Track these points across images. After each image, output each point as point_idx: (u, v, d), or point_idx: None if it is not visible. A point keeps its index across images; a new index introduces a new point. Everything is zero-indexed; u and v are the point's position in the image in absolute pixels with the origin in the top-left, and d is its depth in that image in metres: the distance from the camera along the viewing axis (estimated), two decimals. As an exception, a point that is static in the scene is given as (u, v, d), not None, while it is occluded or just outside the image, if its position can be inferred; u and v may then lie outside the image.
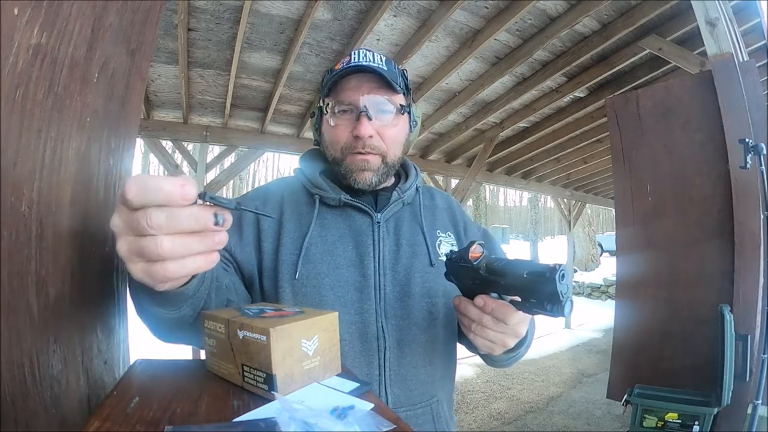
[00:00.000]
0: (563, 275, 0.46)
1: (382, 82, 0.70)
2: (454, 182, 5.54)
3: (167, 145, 4.14)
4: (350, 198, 0.73)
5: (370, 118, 0.69)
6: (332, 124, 0.72)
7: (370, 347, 0.68)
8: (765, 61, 3.21)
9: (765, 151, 1.75)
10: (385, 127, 0.71)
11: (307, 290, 0.68)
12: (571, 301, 0.47)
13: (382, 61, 0.71)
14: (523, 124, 4.50)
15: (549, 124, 4.48)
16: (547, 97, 3.86)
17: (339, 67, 0.72)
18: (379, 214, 0.74)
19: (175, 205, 0.35)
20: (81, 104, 0.60)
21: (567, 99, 3.96)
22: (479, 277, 0.54)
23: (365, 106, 0.69)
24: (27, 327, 0.51)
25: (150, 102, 3.51)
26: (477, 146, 4.81)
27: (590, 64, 3.39)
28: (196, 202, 0.36)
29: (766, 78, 3.19)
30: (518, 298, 0.52)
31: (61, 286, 0.58)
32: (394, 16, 2.61)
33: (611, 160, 2.67)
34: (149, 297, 0.46)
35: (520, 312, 0.53)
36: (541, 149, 5.11)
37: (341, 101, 0.71)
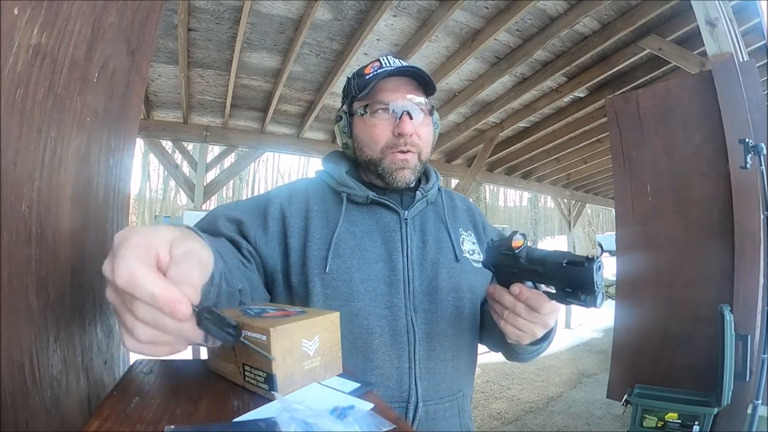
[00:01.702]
0: (599, 266, 0.48)
1: (417, 84, 0.74)
2: (454, 182, 5.54)
3: (167, 145, 4.14)
4: (377, 195, 0.75)
5: (411, 118, 0.72)
6: (371, 124, 0.73)
7: (401, 340, 0.69)
8: (765, 61, 3.21)
9: (765, 151, 1.75)
10: (421, 127, 0.74)
11: (337, 284, 0.69)
12: (603, 294, 0.49)
13: (412, 65, 0.74)
14: (523, 124, 4.50)
15: (549, 124, 4.48)
16: (547, 97, 3.86)
17: (369, 71, 0.73)
18: (406, 212, 0.76)
19: (163, 315, 0.32)
20: (81, 104, 0.60)
21: (567, 99, 3.96)
22: (518, 266, 0.56)
23: (408, 106, 0.72)
24: (27, 327, 0.51)
25: (150, 102, 3.51)
26: (477, 146, 4.81)
27: (590, 64, 3.39)
28: (194, 311, 0.34)
29: (766, 78, 3.19)
30: (552, 289, 0.54)
31: (61, 286, 0.57)
32: (394, 16, 2.61)
33: (611, 160, 2.67)
34: None
35: (553, 302, 0.55)
36: (541, 149, 5.11)
37: (381, 101, 0.73)
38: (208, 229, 0.68)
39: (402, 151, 0.73)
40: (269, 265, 0.71)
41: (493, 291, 0.60)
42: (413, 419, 0.67)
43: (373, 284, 0.70)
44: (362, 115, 0.74)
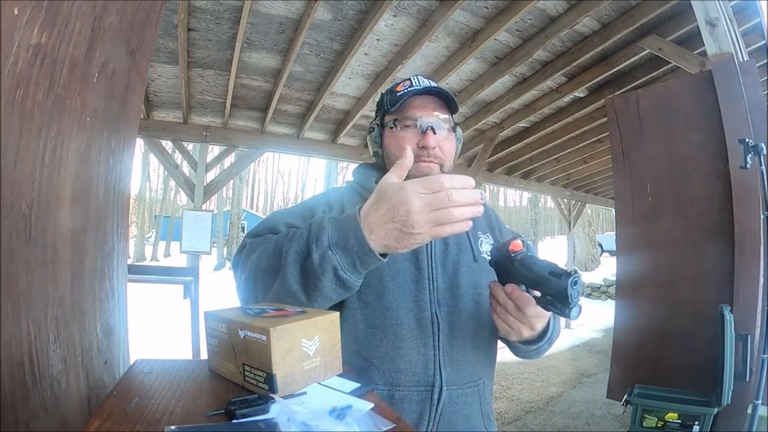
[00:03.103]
0: (575, 281, 0.54)
1: (442, 103, 0.83)
2: (454, 182, 5.54)
3: (167, 145, 4.14)
4: None
5: (434, 132, 0.80)
6: (400, 136, 0.82)
7: (426, 331, 0.77)
8: (765, 61, 3.21)
9: (765, 151, 1.74)
10: (444, 141, 0.82)
11: (370, 281, 0.75)
12: (580, 307, 0.55)
13: (438, 86, 0.84)
14: (523, 124, 4.50)
15: (549, 124, 4.47)
16: (547, 97, 3.86)
17: (401, 89, 0.82)
18: None
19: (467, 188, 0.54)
20: (81, 104, 0.60)
21: (567, 99, 3.96)
22: (513, 268, 0.62)
23: (432, 122, 0.81)
24: (27, 327, 0.51)
25: (150, 102, 3.51)
26: (477, 146, 4.81)
27: (590, 64, 3.39)
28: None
29: (766, 78, 3.19)
30: (538, 293, 0.59)
31: (61, 286, 0.57)
32: (394, 16, 2.61)
33: (611, 160, 2.67)
34: (344, 289, 0.61)
35: (538, 307, 0.61)
36: (541, 149, 5.10)
37: (410, 117, 0.81)
38: (271, 231, 0.77)
39: (425, 161, 0.80)
40: None
41: (492, 286, 0.67)
42: (438, 402, 0.74)
43: (402, 281, 0.78)
44: (392, 128, 0.83)
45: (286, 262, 0.62)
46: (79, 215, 0.62)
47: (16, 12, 0.46)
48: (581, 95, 3.96)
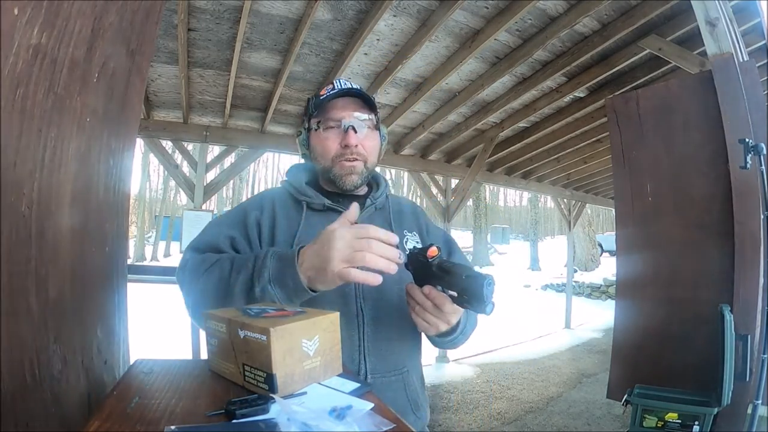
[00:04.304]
0: (489, 283, 0.61)
1: (363, 103, 0.89)
2: (454, 182, 5.54)
3: (167, 145, 4.14)
4: (332, 203, 0.89)
5: (355, 131, 0.86)
6: (323, 137, 0.88)
7: (351, 324, 0.82)
8: (765, 61, 3.21)
9: (765, 151, 1.74)
10: (366, 139, 0.88)
11: None
12: (493, 304, 0.62)
13: (359, 88, 0.90)
14: (523, 124, 4.49)
15: (549, 124, 4.47)
16: (547, 97, 3.86)
17: (324, 92, 0.87)
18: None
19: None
20: (81, 104, 0.60)
21: (567, 99, 3.96)
22: (430, 272, 0.68)
23: (352, 122, 0.86)
24: (27, 327, 0.51)
25: (150, 102, 3.51)
26: (477, 146, 4.81)
27: (590, 64, 3.39)
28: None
29: (766, 78, 3.19)
30: (455, 293, 0.66)
31: (61, 286, 0.58)
32: (394, 16, 2.61)
33: (611, 160, 2.66)
34: (295, 294, 0.67)
35: (454, 304, 0.68)
36: (541, 149, 5.10)
37: (332, 118, 0.87)
38: (211, 247, 0.81)
39: (348, 159, 0.87)
40: None
41: (410, 288, 0.73)
42: None
43: None
44: (316, 129, 0.88)
45: (233, 292, 0.68)
46: (79, 215, 0.62)
47: (16, 12, 0.46)
48: (581, 95, 3.96)
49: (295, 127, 4.14)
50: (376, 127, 0.92)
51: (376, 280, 0.62)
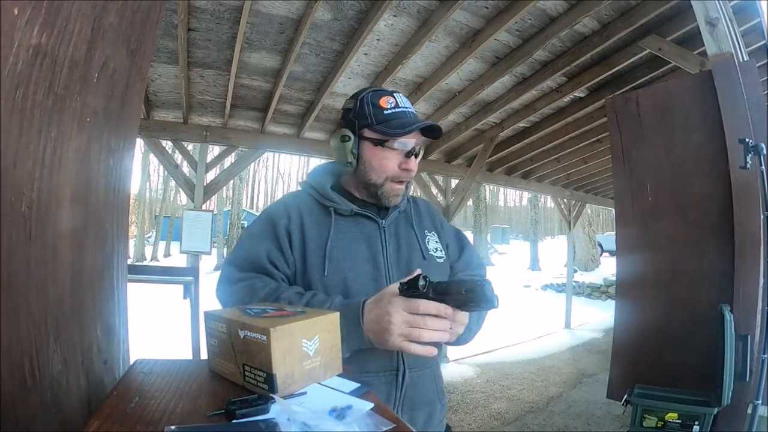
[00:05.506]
0: (488, 286, 0.66)
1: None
2: (454, 182, 5.53)
3: (167, 145, 4.13)
4: (359, 208, 0.91)
5: (416, 158, 0.89)
6: (384, 155, 0.88)
7: None
8: (765, 61, 3.20)
9: (765, 151, 1.74)
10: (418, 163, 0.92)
11: (334, 283, 0.84)
12: (497, 297, 0.66)
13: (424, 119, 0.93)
14: (523, 124, 4.49)
15: (549, 124, 4.47)
16: (547, 97, 3.86)
17: (386, 105, 0.87)
18: (383, 221, 0.93)
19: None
20: (81, 104, 0.60)
21: (567, 99, 3.95)
22: (430, 298, 0.71)
23: (417, 150, 0.89)
24: (27, 327, 0.51)
25: (150, 102, 3.51)
26: (477, 146, 4.80)
27: (590, 64, 3.38)
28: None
29: (766, 78, 3.19)
30: (461, 306, 0.71)
31: (61, 286, 0.57)
32: (394, 16, 2.60)
33: (611, 160, 2.66)
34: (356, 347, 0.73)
35: (464, 312, 0.74)
36: (541, 149, 5.10)
37: (403, 143, 0.87)
38: (250, 264, 0.84)
39: (401, 182, 0.90)
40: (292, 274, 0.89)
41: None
42: (402, 384, 0.85)
43: (363, 281, 0.86)
44: (377, 145, 0.87)
45: None
46: (79, 215, 0.62)
47: (16, 12, 0.46)
48: (581, 95, 3.96)
49: (295, 128, 4.14)
50: None
51: (432, 353, 0.69)
